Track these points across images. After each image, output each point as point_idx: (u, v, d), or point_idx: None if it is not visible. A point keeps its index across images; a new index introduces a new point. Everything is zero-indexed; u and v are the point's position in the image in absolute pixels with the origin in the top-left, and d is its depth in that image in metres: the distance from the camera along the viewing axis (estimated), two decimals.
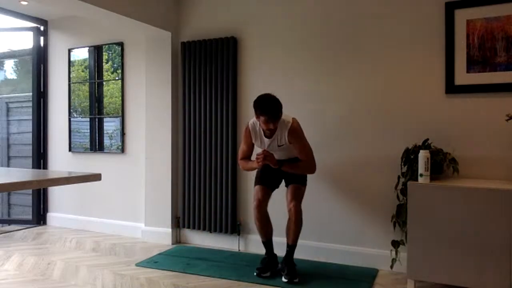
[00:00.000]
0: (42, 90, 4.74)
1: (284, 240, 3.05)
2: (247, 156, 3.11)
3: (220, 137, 3.70)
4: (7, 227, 4.72)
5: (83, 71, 4.54)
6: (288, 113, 2.98)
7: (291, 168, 2.94)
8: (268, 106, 2.76)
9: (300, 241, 3.06)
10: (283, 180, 3.13)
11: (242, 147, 3.12)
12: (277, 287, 2.83)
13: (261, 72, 3.61)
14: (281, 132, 2.88)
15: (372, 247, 3.20)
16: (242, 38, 3.69)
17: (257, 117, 2.86)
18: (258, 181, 3.09)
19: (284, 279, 2.90)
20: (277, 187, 3.13)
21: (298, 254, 3.18)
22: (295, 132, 2.88)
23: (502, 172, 2.80)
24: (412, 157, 2.80)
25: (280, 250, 3.11)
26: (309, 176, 3.16)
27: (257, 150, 3.07)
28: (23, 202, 5.11)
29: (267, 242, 3.07)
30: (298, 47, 3.46)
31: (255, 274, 3.00)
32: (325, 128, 3.36)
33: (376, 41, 3.19)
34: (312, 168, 2.97)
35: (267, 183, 3.06)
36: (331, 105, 3.34)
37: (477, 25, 2.87)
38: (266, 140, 2.95)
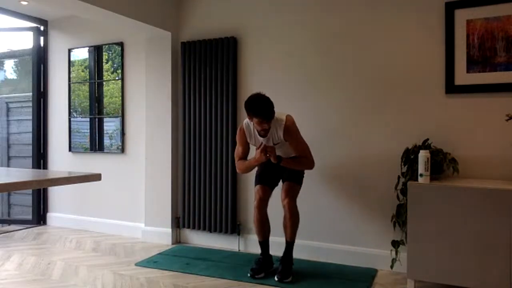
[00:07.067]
0: (42, 90, 4.74)
1: (279, 239, 3.07)
2: (244, 157, 3.07)
3: (220, 137, 3.70)
4: (7, 227, 4.72)
5: (83, 71, 4.54)
6: (287, 111, 2.97)
7: (289, 163, 2.93)
8: (261, 108, 2.76)
9: (299, 241, 3.06)
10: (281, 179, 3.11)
11: (237, 149, 3.09)
12: (276, 287, 2.83)
13: (261, 72, 3.61)
14: (275, 130, 2.88)
15: (372, 247, 3.20)
16: (242, 38, 3.69)
17: (250, 118, 2.86)
18: (258, 180, 3.09)
19: (275, 278, 2.89)
20: (277, 185, 3.13)
21: (297, 254, 3.18)
22: (290, 129, 2.87)
23: (502, 172, 2.80)
24: (412, 157, 2.80)
25: (275, 250, 3.12)
26: (309, 176, 3.16)
27: (253, 149, 3.05)
28: (23, 202, 5.11)
29: (264, 242, 3.07)
30: (298, 46, 3.46)
31: (248, 275, 2.97)
32: (324, 127, 3.36)
33: (376, 41, 3.19)
34: (310, 164, 2.96)
35: (267, 182, 3.06)
36: (331, 105, 3.34)
37: (477, 25, 2.87)
38: (261, 139, 2.93)
